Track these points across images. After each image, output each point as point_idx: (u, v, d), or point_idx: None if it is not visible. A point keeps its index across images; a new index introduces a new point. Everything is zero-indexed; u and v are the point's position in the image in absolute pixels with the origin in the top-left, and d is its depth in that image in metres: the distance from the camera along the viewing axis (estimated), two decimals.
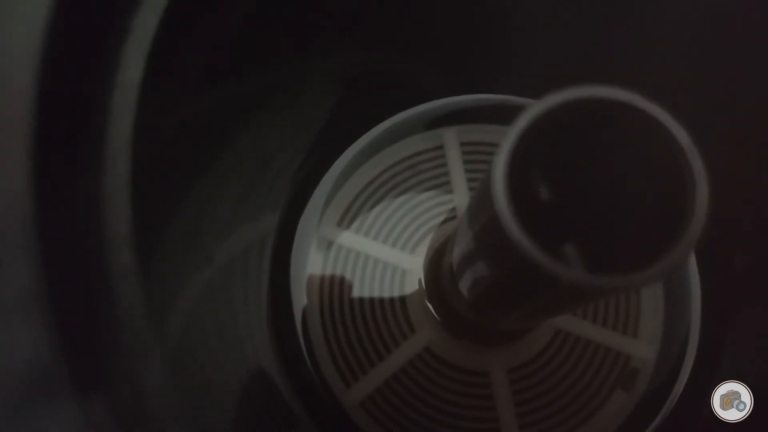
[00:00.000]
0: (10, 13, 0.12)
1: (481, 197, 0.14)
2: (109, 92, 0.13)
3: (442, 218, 0.28)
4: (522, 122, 0.12)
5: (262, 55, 0.22)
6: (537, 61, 0.27)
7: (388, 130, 0.29)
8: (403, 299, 0.28)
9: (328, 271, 0.28)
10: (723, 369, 0.24)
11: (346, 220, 0.28)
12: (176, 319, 0.19)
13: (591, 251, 0.15)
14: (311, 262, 0.28)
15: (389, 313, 0.27)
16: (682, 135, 0.12)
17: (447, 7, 0.25)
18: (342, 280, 0.28)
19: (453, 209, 0.29)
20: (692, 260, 0.28)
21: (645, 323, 0.27)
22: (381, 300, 0.27)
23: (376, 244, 0.28)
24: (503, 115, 0.29)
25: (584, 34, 0.25)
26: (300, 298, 0.28)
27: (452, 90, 0.30)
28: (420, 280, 0.28)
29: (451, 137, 0.29)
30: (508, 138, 0.12)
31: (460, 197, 0.29)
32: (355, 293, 0.28)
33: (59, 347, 0.11)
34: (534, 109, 0.12)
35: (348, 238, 0.28)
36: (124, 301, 0.12)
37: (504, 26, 0.26)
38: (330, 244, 0.28)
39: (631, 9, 0.23)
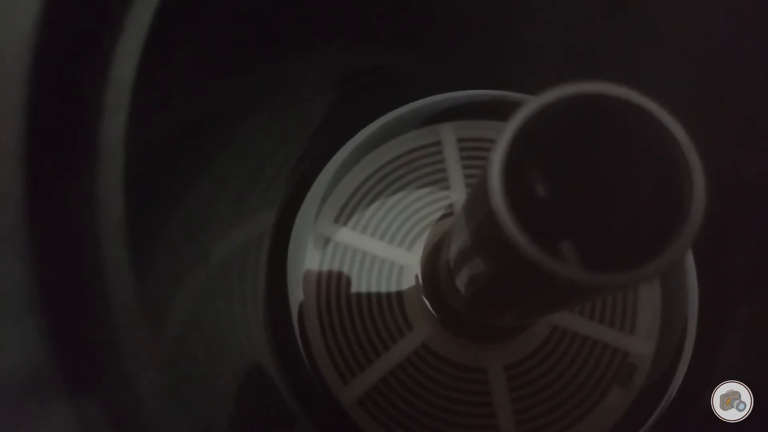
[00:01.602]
0: (2, 9, 0.12)
1: (478, 194, 0.14)
2: (103, 89, 0.13)
3: (439, 215, 0.28)
4: (519, 118, 0.12)
5: (258, 52, 0.22)
6: (534, 57, 0.27)
7: (385, 126, 0.29)
8: (400, 296, 0.27)
9: (325, 268, 0.28)
10: (721, 367, 0.24)
11: (343, 216, 0.28)
12: (172, 318, 0.19)
13: (588, 248, 0.15)
14: (308, 259, 0.28)
15: (386, 309, 0.27)
16: (678, 131, 0.12)
17: (443, 3, 0.25)
18: (339, 276, 0.28)
19: (450, 205, 0.28)
20: (689, 256, 0.28)
21: (642, 319, 0.27)
22: (378, 296, 0.27)
23: (373, 240, 0.28)
24: (500, 111, 0.29)
25: (582, 30, 0.25)
26: (297, 295, 0.28)
27: (449, 86, 0.29)
28: (417, 277, 0.27)
29: (448, 133, 0.29)
30: (505, 134, 0.12)
31: (457, 193, 0.28)
32: (353, 290, 0.28)
33: (52, 347, 0.11)
34: (531, 105, 0.12)
35: (345, 234, 0.28)
36: (119, 301, 0.12)
37: (501, 22, 0.26)
38: (327, 240, 0.28)
39: (631, 5, 0.23)
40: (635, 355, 0.27)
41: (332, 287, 0.28)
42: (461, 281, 0.20)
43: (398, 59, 0.28)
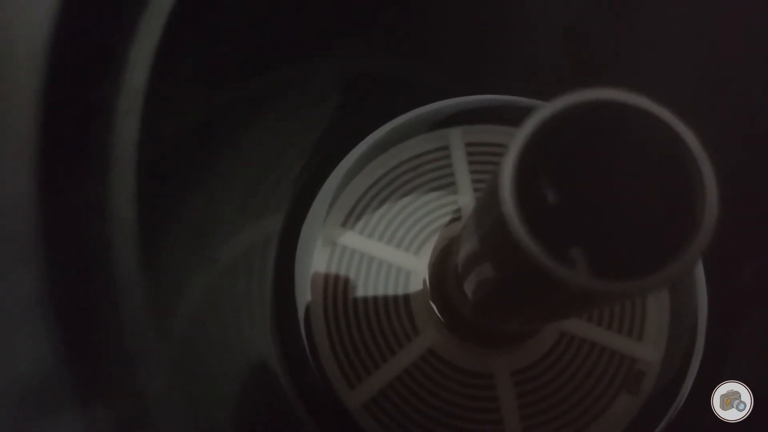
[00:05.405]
0: (15, 16, 0.12)
1: (488, 199, 0.14)
2: (115, 95, 0.13)
3: (446, 219, 0.28)
4: (531, 124, 0.12)
5: (266, 57, 0.22)
6: (542, 62, 0.27)
7: (393, 130, 0.29)
8: (407, 300, 0.27)
9: (333, 272, 0.28)
10: (729, 375, 0.24)
11: (351, 220, 0.28)
12: (180, 322, 0.19)
13: (598, 256, 0.14)
14: (315, 263, 0.28)
15: (393, 314, 0.27)
16: (691, 139, 0.12)
17: (452, 7, 0.25)
18: (346, 281, 0.28)
19: (458, 210, 0.28)
20: (699, 264, 0.27)
21: (650, 326, 0.27)
22: (385, 301, 0.27)
23: (381, 244, 0.28)
24: (508, 116, 0.29)
25: (590, 36, 0.25)
26: (304, 299, 0.27)
27: (457, 90, 0.29)
28: (425, 281, 0.27)
29: (456, 138, 0.29)
30: (516, 140, 0.12)
31: (465, 198, 0.28)
32: (360, 294, 0.28)
33: (62, 353, 0.11)
34: (543, 111, 0.12)
35: (352, 238, 0.28)
36: (129, 305, 0.12)
37: (509, 27, 0.26)
38: (334, 244, 0.28)
39: (636, 10, 0.23)
40: (643, 362, 0.27)
41: (339, 291, 0.28)
42: (469, 286, 0.20)
43: (405, 64, 0.28)
